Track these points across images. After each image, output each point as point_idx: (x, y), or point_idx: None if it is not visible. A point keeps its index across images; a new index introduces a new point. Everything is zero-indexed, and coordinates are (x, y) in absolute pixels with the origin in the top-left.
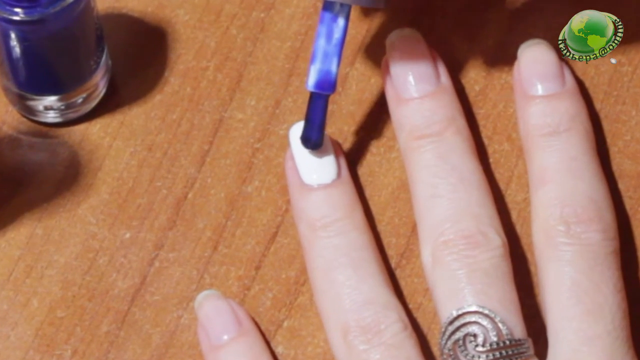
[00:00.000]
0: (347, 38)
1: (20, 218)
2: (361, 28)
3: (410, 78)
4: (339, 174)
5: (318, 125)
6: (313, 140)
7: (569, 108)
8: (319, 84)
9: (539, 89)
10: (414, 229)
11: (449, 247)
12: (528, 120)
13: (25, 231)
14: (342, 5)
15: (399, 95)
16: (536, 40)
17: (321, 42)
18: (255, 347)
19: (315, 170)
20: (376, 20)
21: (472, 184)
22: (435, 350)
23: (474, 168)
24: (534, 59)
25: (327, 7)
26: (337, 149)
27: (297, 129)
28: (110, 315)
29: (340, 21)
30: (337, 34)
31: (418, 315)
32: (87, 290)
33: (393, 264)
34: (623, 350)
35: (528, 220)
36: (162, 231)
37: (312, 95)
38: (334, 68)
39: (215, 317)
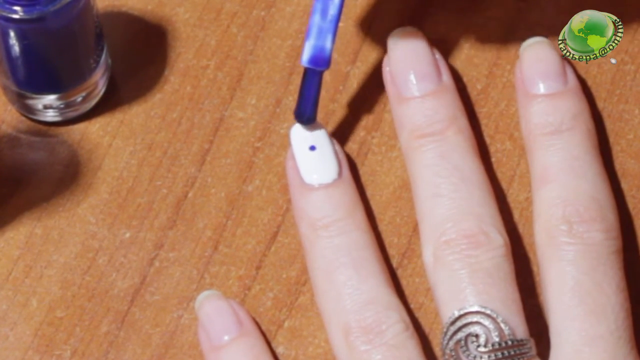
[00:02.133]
0: (348, 36)
1: (20, 217)
2: (363, 26)
3: (412, 77)
4: (339, 174)
5: (312, 101)
6: (307, 115)
7: (571, 107)
8: (313, 60)
9: (541, 88)
10: (415, 228)
11: (451, 246)
12: (530, 119)
13: (24, 230)
14: None
15: (400, 94)
16: (538, 38)
17: (316, 18)
18: (256, 347)
19: (316, 169)
20: (378, 19)
21: (473, 183)
22: (437, 350)
23: (475, 167)
24: (536, 58)
25: None
26: (337, 148)
27: (298, 129)
28: (109, 315)
29: None
30: (332, 10)
31: (419, 315)
32: (86, 290)
33: (394, 264)
34: (626, 351)
35: (530, 220)
36: (162, 231)
37: (306, 71)
38: (328, 44)
39: (216, 317)
